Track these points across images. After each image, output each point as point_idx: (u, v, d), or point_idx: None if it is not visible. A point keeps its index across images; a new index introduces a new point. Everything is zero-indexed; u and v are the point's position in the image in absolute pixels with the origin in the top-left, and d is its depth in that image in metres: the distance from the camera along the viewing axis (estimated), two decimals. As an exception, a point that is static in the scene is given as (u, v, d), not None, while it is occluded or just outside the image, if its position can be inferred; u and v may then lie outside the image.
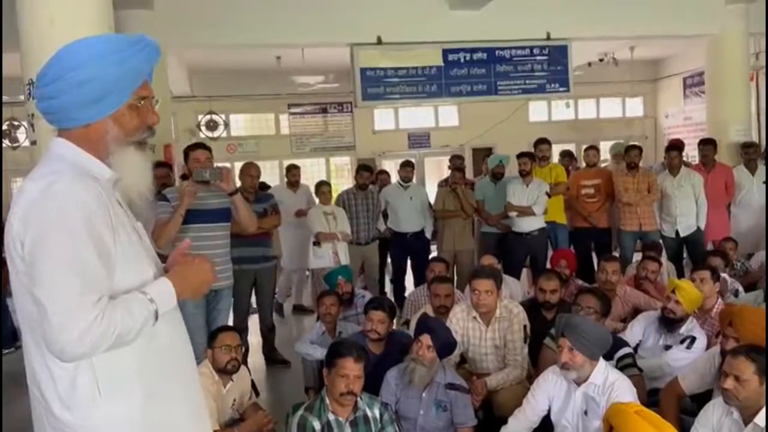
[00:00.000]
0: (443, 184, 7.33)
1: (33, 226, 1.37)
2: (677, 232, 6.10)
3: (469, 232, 6.52)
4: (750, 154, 6.65)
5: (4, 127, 8.67)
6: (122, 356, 1.43)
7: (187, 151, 4.11)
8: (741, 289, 4.61)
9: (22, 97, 3.88)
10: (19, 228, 1.39)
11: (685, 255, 6.36)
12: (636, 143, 6.94)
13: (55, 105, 1.46)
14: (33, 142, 3.77)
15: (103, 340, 1.35)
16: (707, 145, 6.56)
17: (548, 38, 7.07)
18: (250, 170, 5.19)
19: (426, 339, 3.14)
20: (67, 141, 1.50)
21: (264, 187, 7.19)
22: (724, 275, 4.55)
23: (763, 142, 8.24)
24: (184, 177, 4.59)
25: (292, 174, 6.99)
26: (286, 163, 7.44)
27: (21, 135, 8.62)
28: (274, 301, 6.80)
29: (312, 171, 11.25)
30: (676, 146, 6.38)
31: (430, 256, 6.37)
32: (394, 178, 7.42)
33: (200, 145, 4.16)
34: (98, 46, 1.46)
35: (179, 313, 1.65)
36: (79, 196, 1.40)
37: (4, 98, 8.53)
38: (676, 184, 6.08)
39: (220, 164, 5.60)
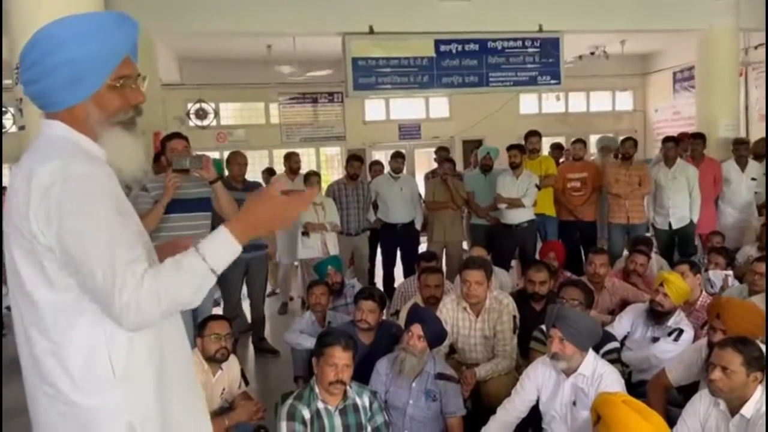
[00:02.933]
0: (430, 176, 7.33)
1: (58, 208, 1.34)
2: (670, 225, 6.13)
3: (459, 224, 6.53)
4: (740, 150, 6.69)
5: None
6: (135, 339, 1.44)
7: (165, 142, 4.07)
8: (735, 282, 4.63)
9: (9, 82, 3.82)
10: (41, 212, 1.35)
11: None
12: (631, 136, 6.98)
13: (37, 89, 1.45)
14: (21, 128, 3.72)
15: (150, 307, 1.34)
16: (697, 139, 6.60)
17: (540, 30, 7.07)
18: (237, 159, 5.16)
19: (417, 329, 3.14)
20: (61, 123, 1.47)
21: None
22: (710, 273, 4.59)
23: (751, 138, 8.28)
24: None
25: (293, 161, 6.80)
26: (276, 152, 7.36)
27: (7, 121, 8.50)
28: (282, 303, 6.79)
29: (302, 161, 11.22)
30: (672, 138, 6.39)
31: (420, 248, 6.38)
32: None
33: (177, 135, 4.10)
34: (71, 27, 1.42)
35: None
36: (98, 175, 1.40)
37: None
38: (670, 176, 6.10)
39: (209, 153, 5.57)
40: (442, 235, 6.31)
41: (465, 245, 6.87)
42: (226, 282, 5.02)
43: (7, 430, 3.78)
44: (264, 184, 5.60)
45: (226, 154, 6.25)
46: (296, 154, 7.01)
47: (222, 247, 1.42)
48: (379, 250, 6.86)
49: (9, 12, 3.60)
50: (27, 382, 1.50)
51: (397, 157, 6.63)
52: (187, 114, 10.06)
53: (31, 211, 1.35)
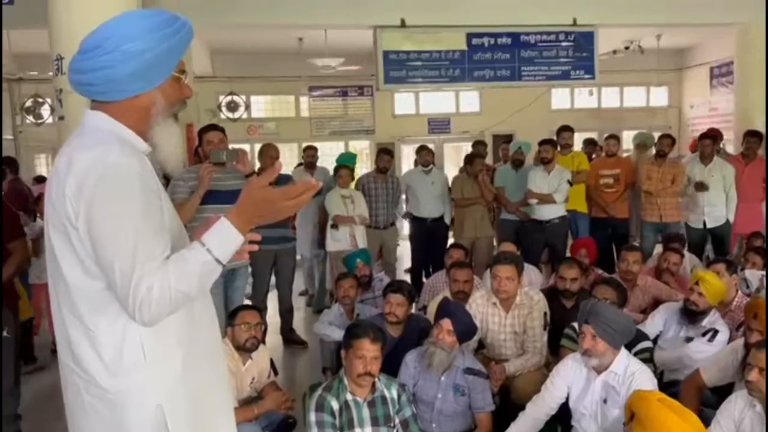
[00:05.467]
0: (464, 170, 7.29)
1: (90, 198, 1.38)
2: (704, 223, 6.00)
3: (488, 220, 6.48)
4: None
5: (29, 103, 8.75)
6: (165, 324, 1.46)
7: (201, 134, 4.13)
8: None
9: (50, 74, 3.90)
10: (75, 199, 1.39)
11: (707, 247, 6.28)
12: (669, 133, 6.84)
13: (106, 76, 1.45)
14: (61, 118, 3.80)
15: (165, 300, 1.38)
16: (753, 137, 6.32)
17: (574, 24, 6.96)
18: (269, 151, 5.22)
19: (447, 323, 3.13)
20: (104, 114, 1.51)
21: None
22: (746, 273, 4.48)
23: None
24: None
25: (308, 155, 6.83)
26: (305, 145, 7.35)
27: (45, 111, 8.68)
28: (310, 295, 6.83)
29: (331, 154, 11.25)
30: (709, 135, 6.23)
31: (449, 243, 6.35)
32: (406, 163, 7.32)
33: (213, 127, 4.17)
34: (150, 19, 1.48)
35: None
36: (132, 166, 1.43)
37: (31, 74, 8.62)
38: (706, 173, 5.97)
39: (240, 146, 5.65)
40: (472, 231, 6.25)
41: (494, 241, 6.83)
42: (255, 273, 5.08)
43: (47, 411, 3.89)
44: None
45: (257, 147, 6.32)
46: (311, 148, 6.91)
47: (225, 238, 1.44)
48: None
49: (50, 6, 3.67)
50: (61, 363, 1.55)
51: (423, 150, 6.62)
52: (219, 106, 10.14)
53: (67, 196, 1.40)
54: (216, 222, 1.46)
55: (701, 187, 5.92)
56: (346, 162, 6.42)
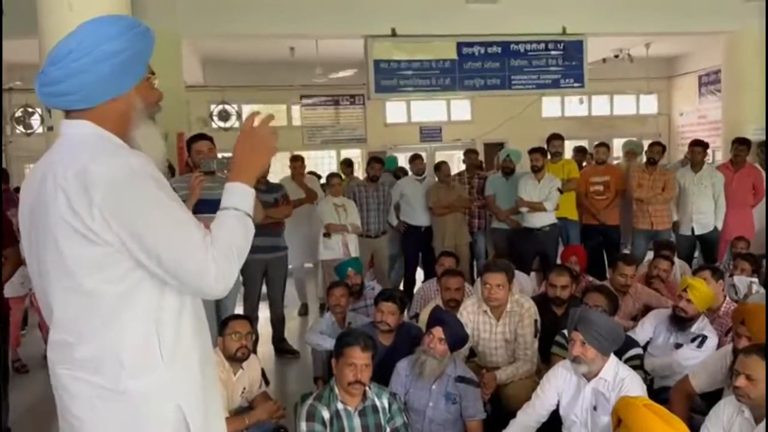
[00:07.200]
0: (456, 178, 7.31)
1: (131, 206, 1.39)
2: (693, 230, 6.04)
3: (465, 227, 6.47)
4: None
5: (18, 113, 8.74)
6: (183, 324, 1.51)
7: (190, 143, 4.11)
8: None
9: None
10: (107, 209, 1.37)
11: (696, 254, 6.32)
12: (659, 140, 6.89)
13: (86, 80, 1.43)
14: (50, 128, 3.80)
15: (230, 264, 1.47)
16: (742, 144, 6.36)
17: (564, 33, 7.03)
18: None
19: (438, 332, 3.14)
20: (86, 121, 1.48)
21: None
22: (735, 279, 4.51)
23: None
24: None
25: (292, 166, 6.68)
26: (292, 155, 7.23)
27: (35, 122, 8.67)
28: (302, 304, 6.81)
29: (323, 163, 11.27)
30: (701, 142, 6.29)
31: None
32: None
33: (202, 136, 4.15)
34: (119, 21, 1.49)
35: None
36: (152, 167, 1.47)
37: (21, 84, 8.59)
38: (696, 180, 6.02)
39: (231, 155, 5.62)
40: (452, 239, 6.24)
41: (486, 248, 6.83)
42: (246, 283, 5.06)
43: (36, 422, 3.85)
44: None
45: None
46: (295, 159, 6.61)
47: (241, 194, 1.58)
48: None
49: (40, 15, 3.68)
50: (63, 377, 1.49)
51: (417, 158, 6.65)
52: (210, 116, 10.15)
53: (94, 207, 1.36)
54: (224, 189, 1.58)
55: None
56: (391, 166, 6.44)
